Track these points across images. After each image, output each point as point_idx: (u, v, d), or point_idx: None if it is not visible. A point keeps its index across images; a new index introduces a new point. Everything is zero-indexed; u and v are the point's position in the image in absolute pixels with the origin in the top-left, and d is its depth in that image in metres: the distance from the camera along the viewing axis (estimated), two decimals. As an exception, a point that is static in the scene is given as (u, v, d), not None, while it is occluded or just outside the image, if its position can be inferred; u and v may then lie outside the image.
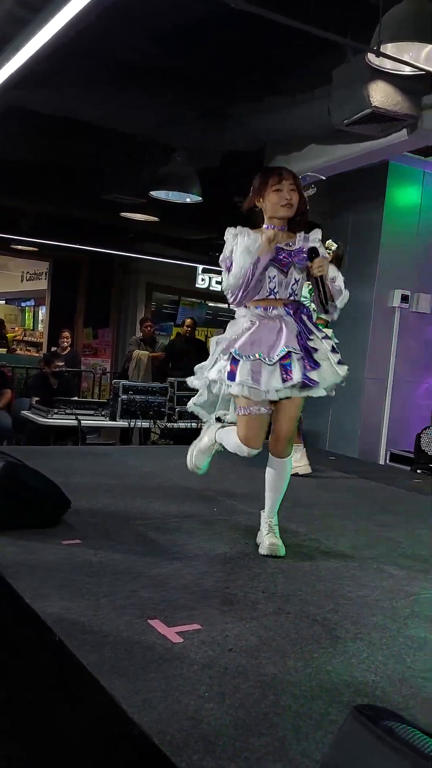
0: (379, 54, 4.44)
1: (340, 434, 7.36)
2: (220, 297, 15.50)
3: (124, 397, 7.09)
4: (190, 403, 3.44)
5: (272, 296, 3.14)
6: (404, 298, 7.24)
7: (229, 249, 3.13)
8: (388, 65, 4.67)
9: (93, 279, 13.74)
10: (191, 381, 3.32)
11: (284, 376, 3.02)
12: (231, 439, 3.27)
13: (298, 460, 5.21)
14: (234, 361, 3.07)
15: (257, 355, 3.03)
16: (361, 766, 1.24)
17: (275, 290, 3.13)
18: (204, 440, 3.54)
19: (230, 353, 3.08)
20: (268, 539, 3.28)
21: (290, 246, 3.15)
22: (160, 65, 5.95)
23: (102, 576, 2.78)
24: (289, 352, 3.03)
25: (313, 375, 3.07)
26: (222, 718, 1.81)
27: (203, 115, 6.50)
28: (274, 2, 4.27)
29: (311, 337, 3.14)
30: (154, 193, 7.30)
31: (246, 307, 3.18)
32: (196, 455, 3.61)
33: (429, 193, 7.52)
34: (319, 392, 3.14)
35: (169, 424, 7.36)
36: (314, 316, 3.43)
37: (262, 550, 3.26)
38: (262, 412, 3.12)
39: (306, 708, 1.90)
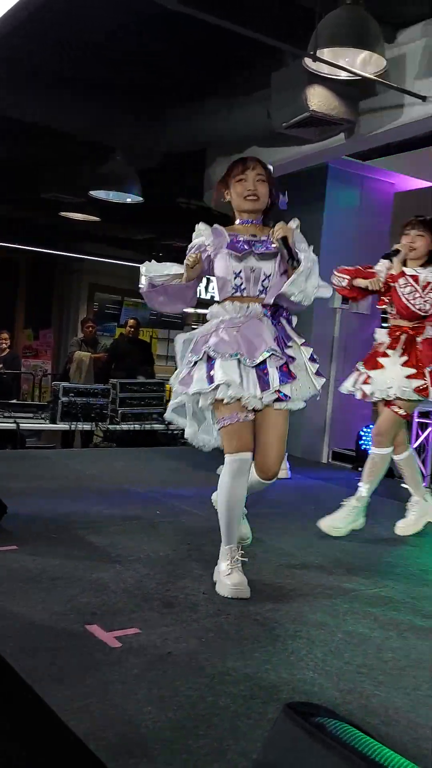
0: (315, 59, 4.50)
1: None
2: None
3: (65, 399, 7.00)
4: (168, 411, 3.12)
5: (238, 293, 2.86)
6: (344, 300, 7.34)
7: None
8: (325, 70, 4.74)
9: (33, 279, 13.55)
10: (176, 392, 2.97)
11: (261, 383, 2.74)
12: (220, 490, 2.85)
13: None
14: (210, 361, 2.76)
15: (234, 354, 2.73)
16: (293, 762, 1.25)
17: (242, 287, 2.85)
18: (222, 566, 2.86)
19: (203, 351, 2.78)
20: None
21: (255, 237, 2.89)
22: (100, 66, 5.91)
23: (39, 582, 2.75)
24: (271, 355, 2.75)
25: (286, 389, 2.78)
26: (160, 721, 1.80)
27: (142, 116, 6.48)
28: (213, 5, 4.29)
29: (290, 344, 2.85)
30: (93, 193, 7.24)
31: (219, 303, 2.92)
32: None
33: (367, 195, 7.65)
34: (292, 405, 2.83)
35: (111, 427, 7.30)
36: (294, 321, 3.10)
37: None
38: (249, 418, 2.79)
39: (244, 708, 1.91)
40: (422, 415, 7.58)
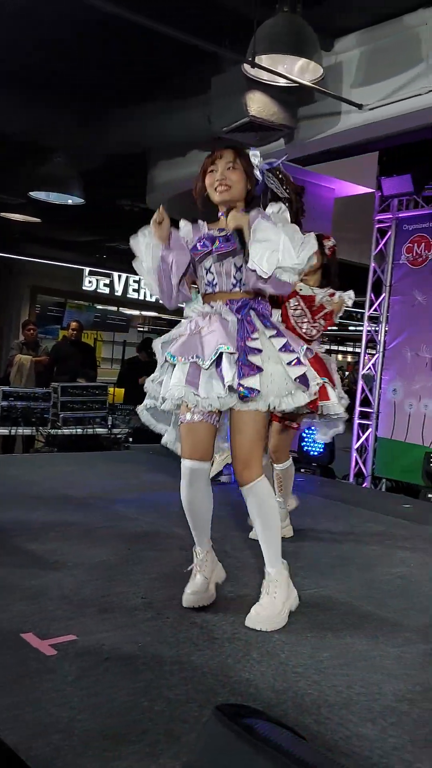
0: (254, 65, 4.55)
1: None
2: (108, 299, 15.40)
3: (5, 403, 6.89)
4: (140, 408, 2.92)
5: (211, 290, 2.73)
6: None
7: None
8: (264, 76, 4.80)
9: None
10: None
11: (222, 382, 2.55)
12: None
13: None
14: (171, 366, 2.66)
15: (192, 357, 2.57)
16: (221, 764, 1.26)
17: (214, 282, 2.71)
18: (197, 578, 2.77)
19: (164, 357, 2.69)
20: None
21: (222, 232, 2.71)
22: (39, 67, 5.85)
23: (-26, 591, 2.70)
24: (222, 353, 2.55)
25: (250, 381, 2.54)
26: (93, 728, 1.79)
27: (84, 117, 6.44)
28: (152, 10, 4.30)
29: (254, 336, 2.60)
30: (33, 194, 7.15)
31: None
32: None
33: (308, 201, 7.72)
34: (262, 404, 2.59)
35: (53, 431, 7.22)
36: (276, 315, 2.89)
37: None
38: (202, 421, 2.61)
39: (180, 711, 1.92)
40: (363, 416, 7.73)
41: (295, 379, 2.59)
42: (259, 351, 2.58)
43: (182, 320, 2.84)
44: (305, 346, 2.75)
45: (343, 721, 1.95)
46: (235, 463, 2.68)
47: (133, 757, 1.67)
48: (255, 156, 2.84)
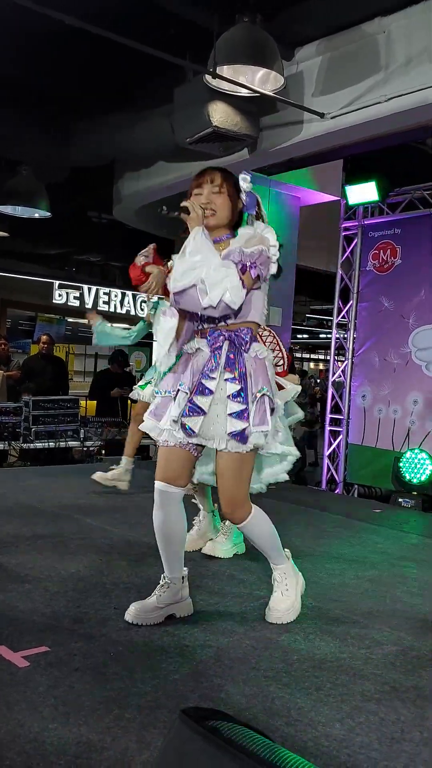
0: (215, 76, 4.60)
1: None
2: (79, 312, 15.37)
3: (-24, 418, 6.84)
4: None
5: (199, 325, 2.67)
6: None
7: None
8: (226, 87, 4.85)
9: None
10: None
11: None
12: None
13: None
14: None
15: (168, 392, 2.63)
16: (189, 765, 1.28)
17: (202, 315, 2.60)
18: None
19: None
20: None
21: None
22: (3, 79, 5.85)
23: None
24: (178, 390, 2.58)
25: (191, 422, 2.53)
26: (65, 737, 1.80)
27: (47, 130, 6.45)
28: (114, 22, 4.33)
29: (212, 375, 2.56)
30: (0, 208, 7.13)
31: None
32: None
33: (274, 209, 7.83)
34: (211, 443, 2.57)
35: (25, 445, 7.18)
36: (267, 354, 2.70)
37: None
38: (170, 443, 2.61)
39: (151, 718, 1.93)
40: (333, 422, 7.79)
41: (229, 433, 2.52)
42: (211, 392, 2.55)
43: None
44: (264, 390, 2.58)
45: (311, 722, 1.98)
46: (223, 507, 2.67)
47: (105, 763, 1.68)
48: (245, 180, 2.75)
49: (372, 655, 2.48)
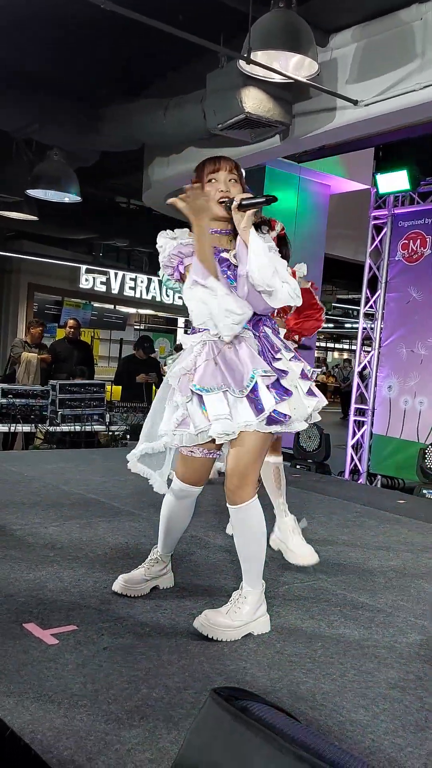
0: (249, 61, 4.58)
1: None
2: (105, 297, 15.43)
3: (4, 401, 6.93)
4: (130, 456, 2.72)
5: None
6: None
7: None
8: (259, 72, 4.82)
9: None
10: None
11: (255, 409, 2.37)
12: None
13: None
14: (200, 399, 2.40)
15: (219, 388, 2.38)
16: (218, 743, 1.30)
17: None
18: None
19: (190, 390, 2.41)
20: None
21: (227, 255, 2.50)
22: (35, 64, 5.88)
23: (-24, 583, 2.74)
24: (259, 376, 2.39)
25: (283, 408, 2.40)
26: (94, 713, 1.84)
27: (78, 114, 6.47)
28: (148, 6, 4.33)
29: (278, 356, 2.46)
30: (31, 192, 7.18)
31: (198, 331, 2.52)
32: None
33: (304, 197, 7.80)
34: (293, 427, 2.47)
35: (51, 428, 7.26)
36: (281, 332, 2.68)
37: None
38: (209, 455, 2.56)
39: (178, 698, 1.96)
40: (358, 413, 7.78)
41: (313, 411, 2.49)
42: (286, 373, 2.44)
43: (191, 345, 2.54)
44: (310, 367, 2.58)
45: (336, 707, 2.00)
46: (229, 480, 2.45)
47: (134, 740, 1.72)
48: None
49: (396, 644, 2.49)
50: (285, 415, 2.39)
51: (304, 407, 2.46)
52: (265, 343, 2.48)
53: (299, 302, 2.46)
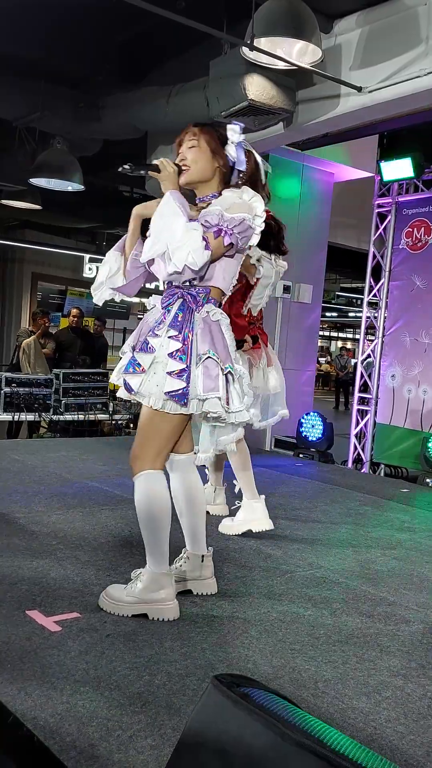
0: (252, 48, 4.54)
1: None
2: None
3: (7, 389, 6.93)
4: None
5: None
6: (286, 289, 7.44)
7: None
8: (263, 59, 4.78)
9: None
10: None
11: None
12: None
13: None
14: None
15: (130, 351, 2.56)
16: (218, 729, 1.31)
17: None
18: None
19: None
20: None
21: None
22: (37, 52, 5.84)
23: (-21, 570, 2.75)
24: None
25: (132, 380, 2.44)
26: (96, 700, 1.84)
27: (81, 103, 6.43)
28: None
29: (157, 332, 2.45)
30: (34, 181, 7.14)
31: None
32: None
33: (307, 185, 7.75)
34: (144, 401, 2.44)
35: (54, 417, 7.26)
36: (221, 317, 2.53)
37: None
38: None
39: (180, 685, 1.97)
40: (361, 402, 7.77)
41: (165, 392, 2.38)
42: (153, 350, 2.42)
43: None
44: (209, 353, 2.40)
45: (338, 694, 2.00)
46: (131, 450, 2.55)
47: (135, 727, 1.73)
48: (234, 131, 2.64)
49: (399, 632, 2.50)
50: (130, 387, 2.44)
51: (153, 386, 2.40)
52: (160, 319, 2.48)
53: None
